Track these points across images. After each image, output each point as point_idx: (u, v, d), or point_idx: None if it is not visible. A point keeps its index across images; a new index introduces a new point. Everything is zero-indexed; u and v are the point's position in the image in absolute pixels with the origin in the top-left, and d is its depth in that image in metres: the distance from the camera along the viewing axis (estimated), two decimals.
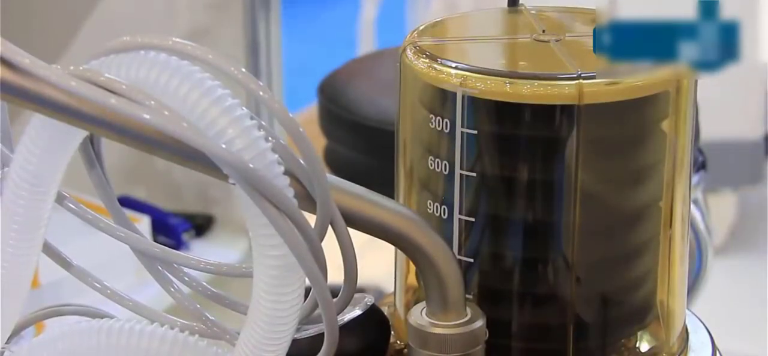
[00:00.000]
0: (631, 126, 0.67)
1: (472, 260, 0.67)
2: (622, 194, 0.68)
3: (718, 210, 2.29)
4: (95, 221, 0.67)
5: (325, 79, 1.46)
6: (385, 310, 0.71)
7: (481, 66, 0.66)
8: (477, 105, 0.65)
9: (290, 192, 0.58)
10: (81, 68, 0.58)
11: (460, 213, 0.67)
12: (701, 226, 1.45)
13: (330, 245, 0.60)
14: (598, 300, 0.68)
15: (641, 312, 0.70)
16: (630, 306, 0.69)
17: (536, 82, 0.65)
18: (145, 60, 0.57)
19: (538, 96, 0.64)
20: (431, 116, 0.67)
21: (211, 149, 0.56)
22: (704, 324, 0.75)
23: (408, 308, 0.69)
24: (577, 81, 0.64)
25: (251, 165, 0.56)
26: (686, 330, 0.73)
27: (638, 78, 0.65)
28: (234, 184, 0.57)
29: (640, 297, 0.70)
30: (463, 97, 0.65)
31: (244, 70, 0.57)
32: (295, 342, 0.61)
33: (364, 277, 0.63)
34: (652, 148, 0.68)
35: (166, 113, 0.56)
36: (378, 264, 1.04)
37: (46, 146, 0.59)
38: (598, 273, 0.68)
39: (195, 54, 0.57)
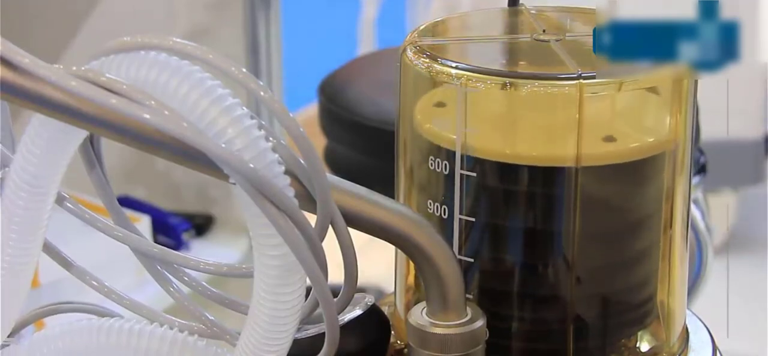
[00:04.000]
0: (631, 184, 0.67)
1: (472, 260, 0.67)
2: (623, 205, 0.68)
3: (718, 210, 2.28)
4: (95, 221, 0.67)
5: (325, 80, 1.46)
6: (385, 310, 0.71)
7: (481, 66, 0.66)
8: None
9: (290, 192, 0.57)
10: (81, 68, 0.58)
11: (460, 213, 0.67)
12: (701, 226, 1.45)
13: (330, 245, 0.60)
14: (598, 302, 0.68)
15: (642, 314, 0.70)
16: (631, 308, 0.69)
17: (537, 81, 0.65)
18: (145, 60, 0.57)
19: (536, 158, 0.65)
20: None
21: (211, 149, 0.56)
22: (704, 324, 0.75)
23: (408, 308, 0.69)
24: (577, 81, 0.64)
25: (251, 165, 0.56)
26: (686, 330, 0.73)
27: (637, 146, 0.66)
28: (234, 184, 0.57)
29: (641, 300, 0.69)
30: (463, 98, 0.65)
31: (244, 70, 0.57)
32: (295, 341, 0.61)
33: (364, 277, 0.63)
34: (652, 197, 0.68)
35: (166, 113, 0.56)
36: (378, 264, 1.04)
37: (46, 146, 0.59)
38: (599, 277, 0.68)
39: (195, 54, 0.57)
